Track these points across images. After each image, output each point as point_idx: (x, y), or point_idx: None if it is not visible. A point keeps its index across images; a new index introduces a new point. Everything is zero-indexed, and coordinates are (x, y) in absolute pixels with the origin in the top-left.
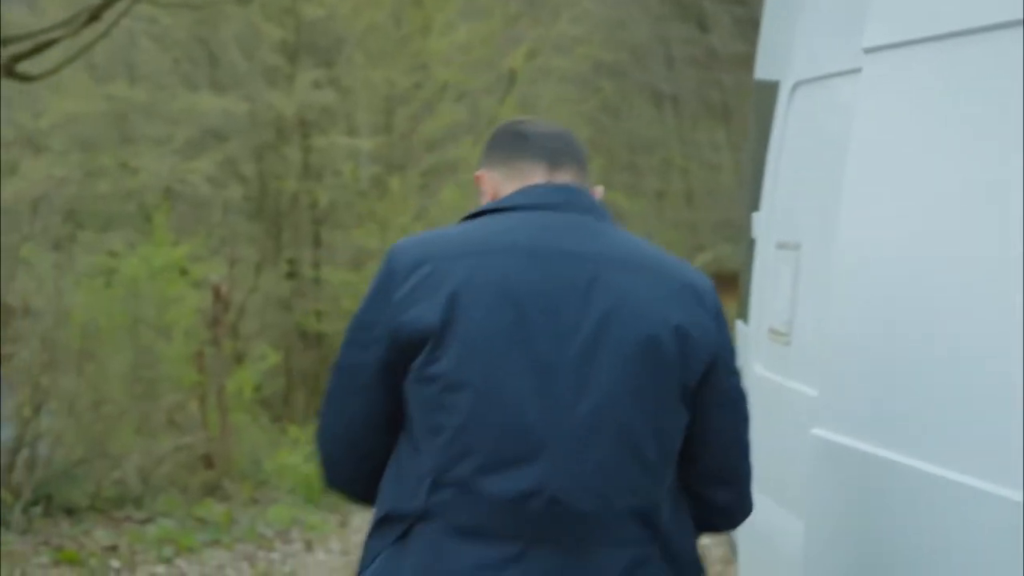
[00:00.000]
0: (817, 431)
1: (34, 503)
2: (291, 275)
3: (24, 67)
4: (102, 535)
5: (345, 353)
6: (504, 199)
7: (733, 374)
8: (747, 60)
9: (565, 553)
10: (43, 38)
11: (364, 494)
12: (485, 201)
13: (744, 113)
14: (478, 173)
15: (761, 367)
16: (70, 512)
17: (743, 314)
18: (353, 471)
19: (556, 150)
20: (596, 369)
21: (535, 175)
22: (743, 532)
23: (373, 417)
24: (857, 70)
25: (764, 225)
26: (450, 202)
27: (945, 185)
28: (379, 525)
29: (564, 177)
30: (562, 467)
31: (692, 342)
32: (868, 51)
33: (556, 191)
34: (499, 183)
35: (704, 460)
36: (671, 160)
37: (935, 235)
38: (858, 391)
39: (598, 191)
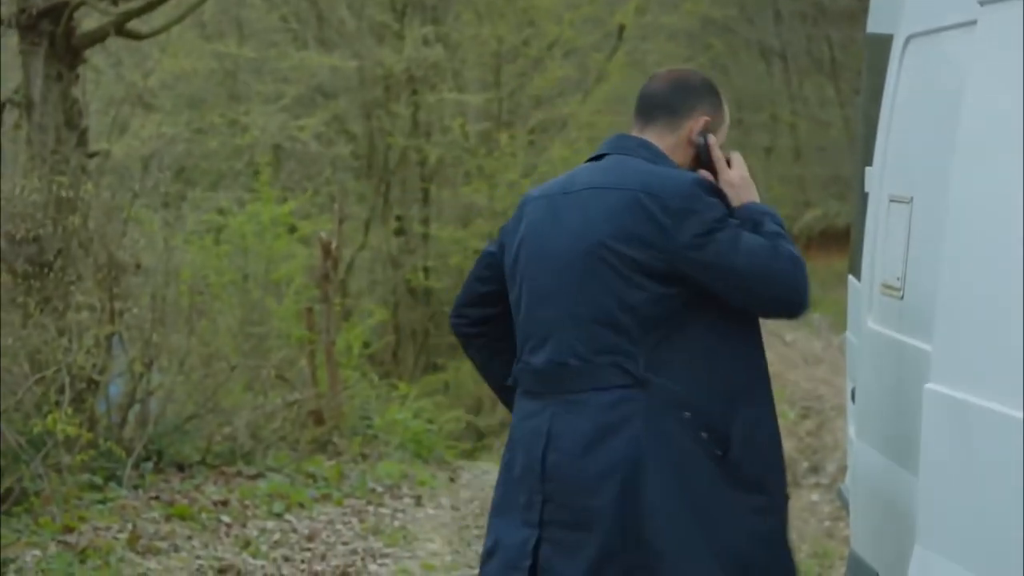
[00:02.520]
0: (932, 386)
1: (146, 459)
2: (399, 232)
3: (133, 25)
4: (213, 490)
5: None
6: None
7: (712, 242)
8: (855, 15)
9: (569, 398)
10: None
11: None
12: None
13: (852, 69)
14: None
15: (873, 322)
16: (181, 468)
17: (854, 269)
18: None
19: (650, 106)
20: (572, 274)
21: (632, 128)
22: (855, 488)
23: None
24: (972, 23)
25: (877, 179)
26: (559, 158)
27: None
28: None
29: (653, 130)
30: (563, 342)
31: (629, 245)
32: (984, 3)
33: (611, 141)
34: None
35: (737, 298)
36: (779, 116)
37: None
38: (973, 345)
39: (733, 157)
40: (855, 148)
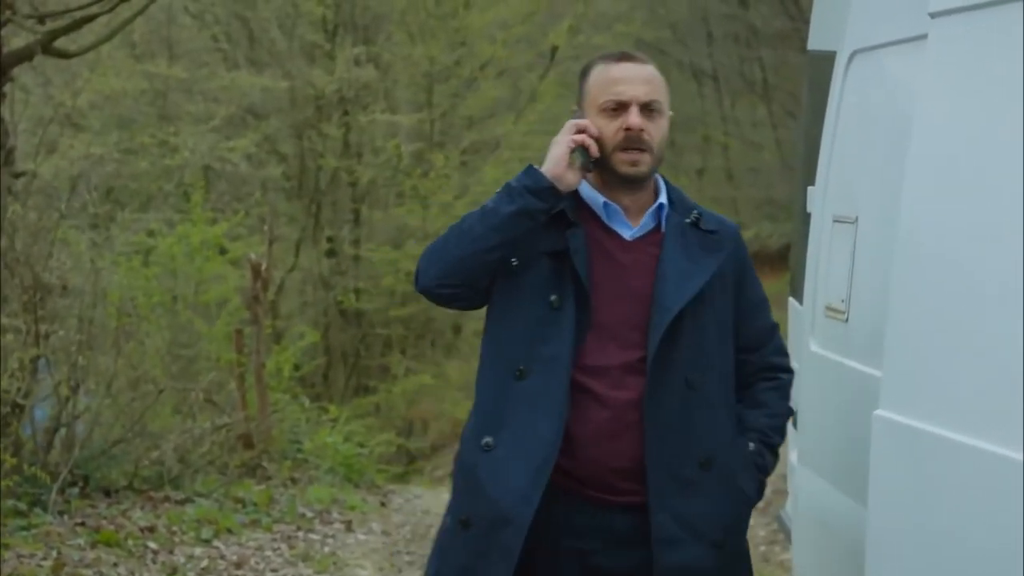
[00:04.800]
0: (881, 412)
1: (72, 484)
2: (330, 253)
3: (61, 44)
4: (139, 516)
5: None
6: None
7: None
8: (788, 36)
9: None
10: (80, 14)
11: None
12: None
13: (785, 90)
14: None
15: (816, 345)
16: (108, 493)
17: (795, 291)
18: None
19: None
20: None
21: None
22: (798, 516)
23: None
24: (919, 37)
25: (819, 199)
26: (492, 179)
27: (1017, 157)
28: None
29: None
30: None
31: None
32: (935, 15)
33: None
34: None
35: None
36: (711, 137)
37: (1006, 209)
38: (924, 371)
39: None
40: (798, 168)
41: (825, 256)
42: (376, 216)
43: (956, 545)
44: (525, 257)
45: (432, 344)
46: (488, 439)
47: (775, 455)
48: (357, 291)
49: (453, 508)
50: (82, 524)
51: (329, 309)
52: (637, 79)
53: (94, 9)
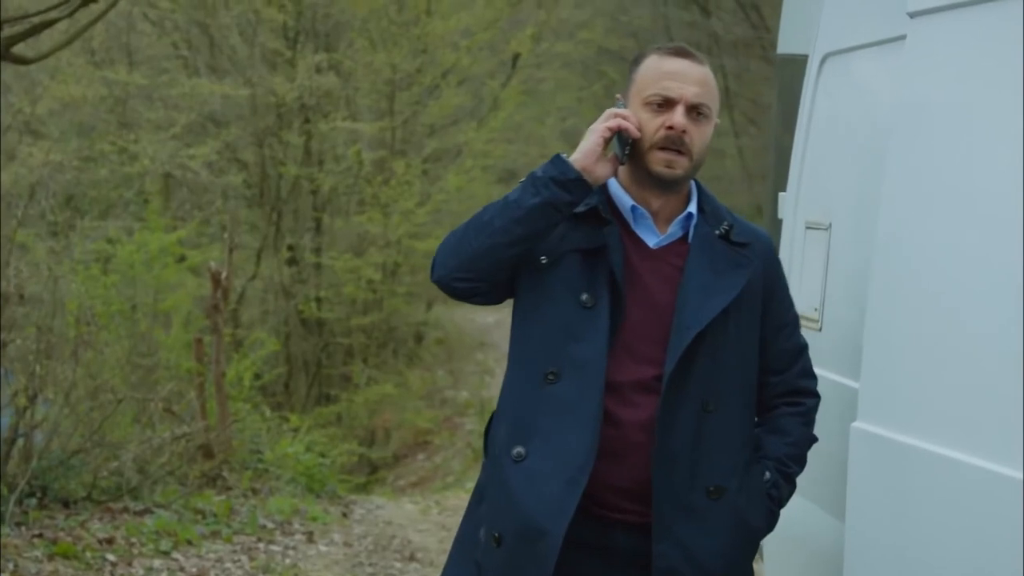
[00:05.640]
0: (859, 424)
1: (29, 495)
2: (292, 261)
3: (19, 50)
4: (98, 527)
5: None
6: None
7: None
8: (750, 44)
9: None
10: (38, 19)
11: None
12: None
13: (747, 98)
14: None
15: None
16: (66, 504)
17: None
18: None
19: None
20: None
21: None
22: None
23: None
24: (895, 39)
25: (791, 205)
26: (454, 187)
27: (1001, 159)
28: None
29: None
30: None
31: None
32: (914, 15)
33: None
34: None
35: None
36: None
37: (990, 214)
38: (903, 382)
39: None
40: (768, 173)
41: (798, 264)
42: (337, 224)
43: (938, 560)
44: (555, 254)
45: (394, 353)
46: (519, 449)
47: (792, 485)
48: (319, 299)
49: (485, 521)
50: (39, 536)
51: (290, 318)
52: (689, 78)
53: (53, 14)
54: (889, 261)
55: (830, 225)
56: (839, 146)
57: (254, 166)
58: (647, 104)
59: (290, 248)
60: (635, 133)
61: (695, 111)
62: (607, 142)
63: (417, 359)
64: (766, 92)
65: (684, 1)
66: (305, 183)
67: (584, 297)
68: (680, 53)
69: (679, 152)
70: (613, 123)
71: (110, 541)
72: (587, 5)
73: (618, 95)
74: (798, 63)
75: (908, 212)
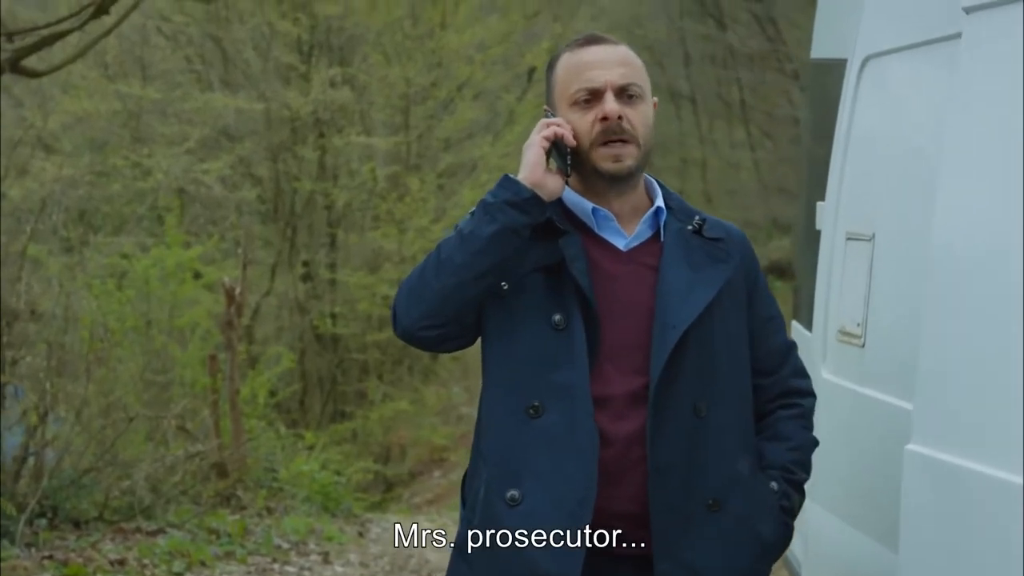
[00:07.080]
0: (913, 447)
1: (40, 515)
2: (306, 277)
3: (30, 63)
4: (110, 548)
5: None
6: None
7: None
8: (765, 57)
9: None
10: (48, 32)
11: None
12: None
13: (762, 111)
14: None
15: (828, 372)
16: (77, 524)
17: (799, 314)
18: None
19: None
20: None
21: None
22: (808, 557)
23: None
24: (947, 37)
25: (831, 215)
26: (469, 202)
27: None
28: None
29: None
30: None
31: None
32: (970, 11)
33: None
34: None
35: None
36: (689, 159)
37: None
38: (962, 402)
39: None
40: (801, 184)
41: (838, 276)
42: (352, 240)
43: None
44: (515, 277)
45: (409, 369)
46: (513, 492)
47: (801, 493)
48: (333, 316)
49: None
50: (50, 557)
51: (305, 334)
52: (609, 61)
53: (64, 26)
54: (945, 274)
55: (873, 236)
56: (883, 152)
57: (268, 181)
58: (574, 104)
59: (305, 264)
60: (571, 141)
61: (625, 93)
62: (548, 153)
63: (432, 375)
64: (782, 104)
65: (700, 14)
66: (319, 198)
67: (557, 318)
68: (592, 40)
69: (623, 141)
70: (548, 132)
71: (122, 562)
72: (603, 18)
73: (545, 107)
74: (834, 68)
75: (966, 221)
